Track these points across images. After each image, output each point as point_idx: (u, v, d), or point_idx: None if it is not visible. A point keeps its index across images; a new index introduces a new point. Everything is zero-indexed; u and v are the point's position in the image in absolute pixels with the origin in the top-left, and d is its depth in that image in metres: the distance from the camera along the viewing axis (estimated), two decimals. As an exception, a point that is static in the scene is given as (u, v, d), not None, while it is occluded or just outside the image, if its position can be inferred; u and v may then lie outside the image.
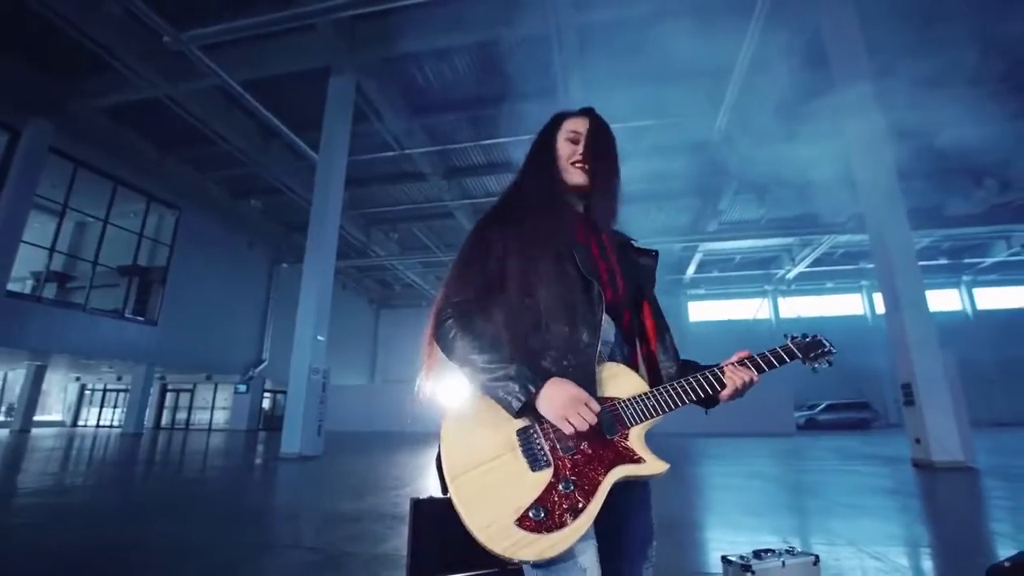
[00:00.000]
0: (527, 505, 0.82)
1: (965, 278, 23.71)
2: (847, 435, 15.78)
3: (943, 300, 23.67)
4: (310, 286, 10.08)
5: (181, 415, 23.01)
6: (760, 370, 0.97)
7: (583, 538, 0.81)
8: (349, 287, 25.42)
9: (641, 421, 0.92)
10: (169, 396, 23.12)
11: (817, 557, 1.96)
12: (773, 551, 1.98)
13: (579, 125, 1.11)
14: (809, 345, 1.00)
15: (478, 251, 1.01)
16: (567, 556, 0.81)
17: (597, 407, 0.87)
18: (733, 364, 0.98)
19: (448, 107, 12.25)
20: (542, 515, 0.81)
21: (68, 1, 9.21)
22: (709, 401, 0.99)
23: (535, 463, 0.87)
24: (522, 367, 0.89)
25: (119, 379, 21.86)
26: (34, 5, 9.08)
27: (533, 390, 0.87)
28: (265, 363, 20.61)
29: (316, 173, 10.90)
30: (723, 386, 0.96)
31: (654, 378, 1.04)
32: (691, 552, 2.98)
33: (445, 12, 9.18)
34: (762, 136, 11.70)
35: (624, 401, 0.93)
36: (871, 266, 21.45)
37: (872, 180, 8.33)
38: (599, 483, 0.85)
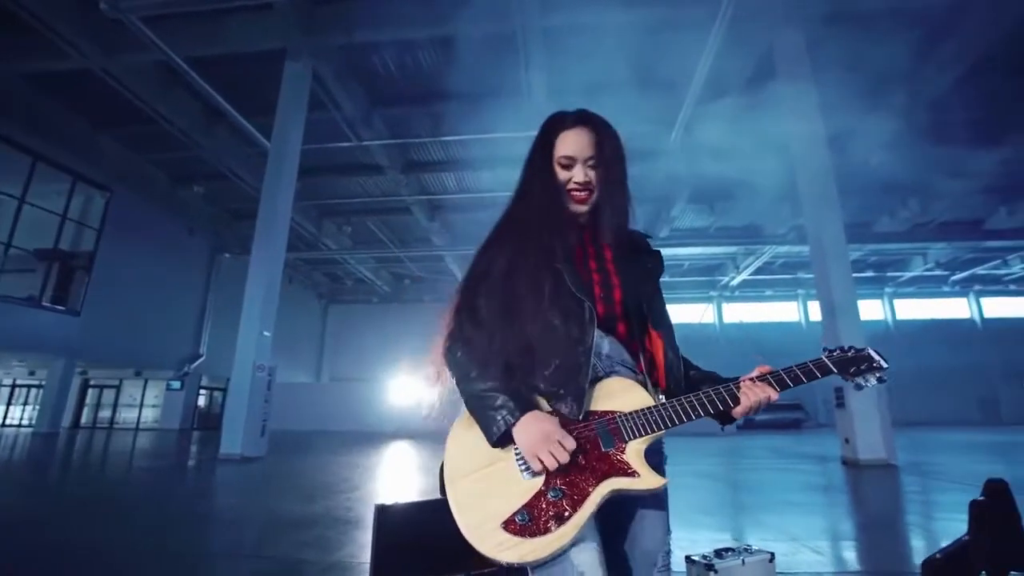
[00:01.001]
0: (514, 509, 0.85)
1: (887, 290, 25.74)
2: (781, 435, 16.74)
3: (868, 310, 25.63)
4: (257, 279, 9.58)
5: (104, 413, 21.29)
6: (783, 386, 0.92)
7: (580, 541, 0.83)
8: (297, 280, 24.39)
9: (640, 435, 0.90)
10: (91, 393, 21.32)
11: (773, 555, 2.05)
12: (733, 550, 2.05)
13: (572, 146, 1.03)
14: (851, 360, 0.93)
15: (480, 272, 1.02)
16: (561, 559, 0.83)
17: (572, 444, 0.86)
18: (751, 379, 0.93)
19: (409, 100, 11.98)
20: (527, 520, 0.84)
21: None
22: (722, 416, 0.95)
23: (527, 471, 0.89)
24: (507, 398, 0.89)
25: (32, 374, 19.93)
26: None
27: (512, 421, 0.88)
28: (202, 358, 19.46)
29: (268, 160, 10.37)
30: (737, 402, 0.92)
31: (666, 390, 1.00)
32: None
33: (408, 2, 8.98)
34: (714, 149, 12.21)
35: (624, 415, 0.91)
36: (807, 276, 22.96)
37: (814, 194, 8.87)
38: (588, 494, 0.86)
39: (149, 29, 8.75)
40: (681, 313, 26.97)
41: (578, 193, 1.03)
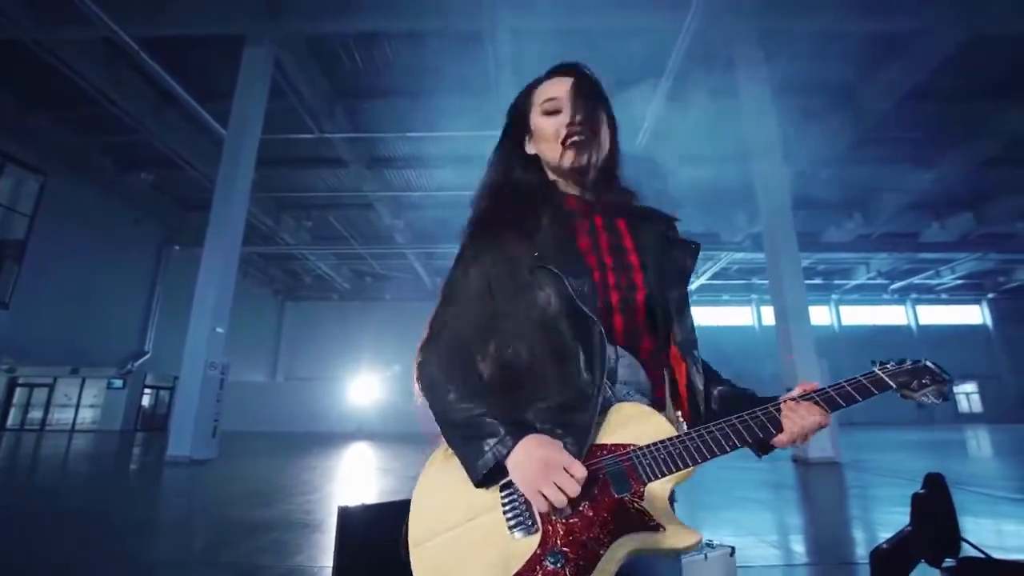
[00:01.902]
0: None
1: (834, 296, 27.22)
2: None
3: (816, 315, 27.03)
4: (210, 273, 9.14)
5: (35, 414, 19.78)
6: (834, 407, 0.73)
7: None
8: (252, 275, 23.45)
9: (662, 475, 0.69)
10: (19, 392, 19.76)
11: (733, 549, 2.10)
12: (696, 545, 2.08)
13: (557, 88, 0.86)
14: (910, 372, 0.75)
15: (457, 280, 0.84)
16: None
17: (582, 472, 0.67)
18: (795, 400, 0.74)
19: (374, 94, 11.74)
20: None
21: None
22: (761, 445, 0.76)
23: (519, 527, 0.69)
24: (496, 422, 0.71)
25: (-50, 371, 18.33)
26: None
27: (504, 451, 0.69)
28: (148, 355, 18.45)
29: (224, 149, 9.90)
30: (779, 428, 0.72)
31: (691, 416, 0.81)
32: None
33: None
34: (676, 155, 12.56)
35: (641, 449, 0.71)
36: (760, 281, 23.97)
37: (771, 204, 9.26)
38: (599, 557, 0.64)
39: (92, 2, 8.19)
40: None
41: (578, 137, 0.84)
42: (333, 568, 1.67)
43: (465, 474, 0.72)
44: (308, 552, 2.84)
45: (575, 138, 0.84)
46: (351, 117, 12.47)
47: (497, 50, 9.72)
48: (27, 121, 12.78)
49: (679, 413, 0.82)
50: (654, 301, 0.81)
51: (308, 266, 22.77)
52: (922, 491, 2.58)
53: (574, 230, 0.84)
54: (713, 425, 0.72)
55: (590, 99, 0.86)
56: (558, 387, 0.74)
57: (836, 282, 25.29)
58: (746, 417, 0.73)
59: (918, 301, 27.33)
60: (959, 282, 24.98)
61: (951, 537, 2.49)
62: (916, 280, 24.36)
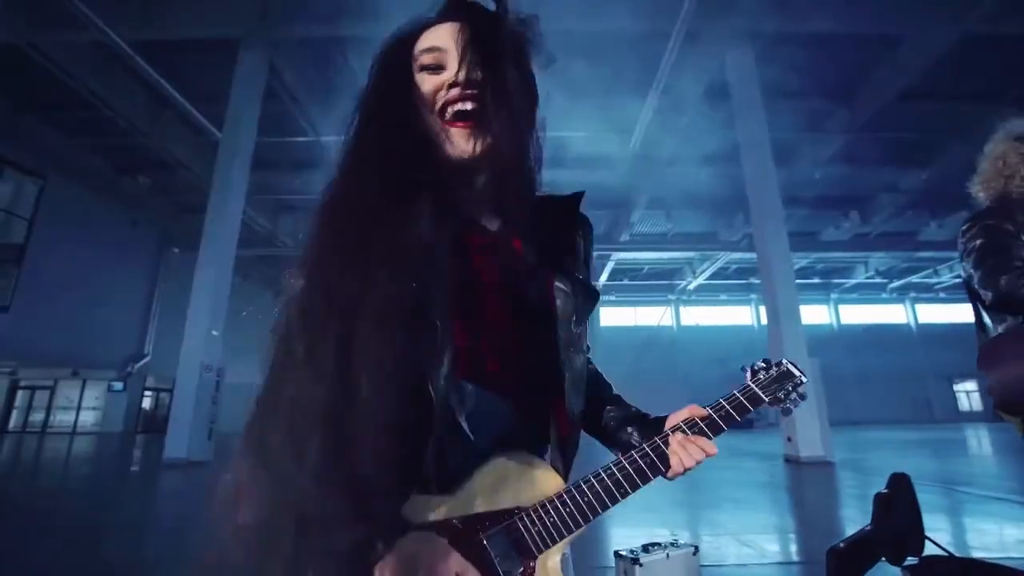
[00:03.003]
0: None
1: (833, 296, 27.18)
2: (734, 434, 17.38)
3: (815, 314, 26.98)
4: (205, 275, 9.21)
5: (37, 416, 19.90)
6: (717, 432, 0.66)
7: None
8: (252, 278, 23.54)
9: (554, 542, 0.60)
10: (21, 394, 19.90)
11: (696, 548, 2.13)
12: (659, 544, 2.12)
13: (442, 36, 0.63)
14: (775, 380, 0.69)
15: (292, 320, 0.57)
16: None
17: None
18: (682, 429, 0.66)
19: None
20: None
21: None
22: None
23: None
24: (353, 532, 0.50)
25: (-48, 373, 18.48)
26: None
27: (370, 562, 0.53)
28: (147, 358, 18.55)
29: (218, 152, 9.98)
30: (667, 467, 0.65)
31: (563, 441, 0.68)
32: (591, 548, 3.10)
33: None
34: (670, 157, 12.59)
35: (527, 513, 0.61)
36: (758, 281, 23.93)
37: (761, 205, 9.27)
38: None
39: (86, 7, 8.25)
40: (641, 315, 27.61)
41: (460, 104, 0.61)
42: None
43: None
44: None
45: (456, 106, 0.61)
46: (346, 119, 12.50)
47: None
48: (24, 125, 12.85)
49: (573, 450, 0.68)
50: (538, 323, 0.67)
51: (307, 268, 22.82)
52: (885, 491, 2.63)
53: (451, 227, 0.61)
54: (603, 472, 0.64)
55: (487, 47, 0.60)
56: (416, 432, 0.56)
57: (835, 281, 25.28)
58: (636, 457, 0.65)
59: (917, 300, 27.25)
60: (957, 280, 24.92)
61: (916, 536, 2.54)
62: (914, 279, 24.31)
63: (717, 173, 13.34)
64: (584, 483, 0.62)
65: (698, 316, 27.81)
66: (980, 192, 1.67)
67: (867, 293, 26.86)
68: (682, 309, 27.98)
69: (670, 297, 27.25)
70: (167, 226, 18.74)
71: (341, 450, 0.50)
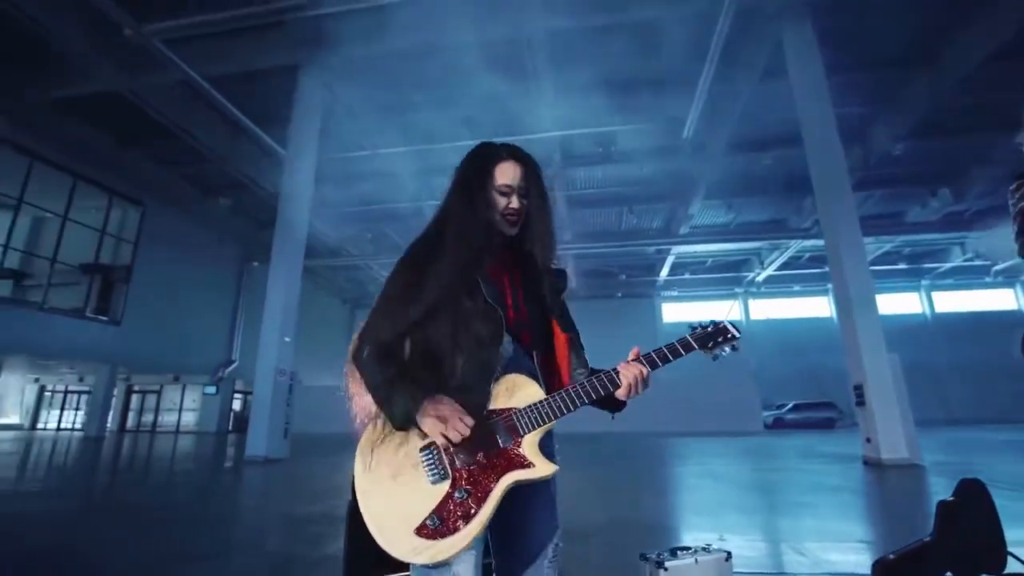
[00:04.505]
0: (425, 515, 0.93)
1: (924, 282, 24.64)
2: (811, 434, 16.26)
3: (904, 303, 24.57)
4: (277, 286, 9.94)
5: (147, 417, 22.37)
6: (653, 365, 1.02)
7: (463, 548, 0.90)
8: (321, 286, 25.07)
9: (533, 428, 0.98)
10: (135, 398, 22.46)
11: (729, 554, 2.04)
12: (689, 548, 2.05)
13: (509, 175, 1.13)
14: (709, 334, 1.05)
15: (402, 283, 1.07)
16: (443, 565, 0.91)
17: (471, 421, 0.95)
18: (626, 362, 1.03)
19: (429, 106, 12.14)
20: (438, 523, 0.91)
21: (23, -10, 8.89)
22: (612, 403, 1.05)
23: (434, 476, 0.95)
24: (411, 385, 0.97)
25: (81, 380, 21.15)
26: (-14, -7, 8.75)
27: (415, 406, 0.95)
28: (235, 364, 20.20)
29: (284, 171, 10.75)
30: (616, 386, 1.01)
31: (556, 385, 1.09)
32: (622, 551, 3.06)
33: (413, 12, 9.13)
34: (727, 145, 11.99)
35: (520, 411, 0.99)
36: (836, 270, 22.16)
37: (826, 187, 8.63)
38: (491, 489, 0.94)
39: (170, 51, 9.20)
40: (707, 310, 26.49)
41: (512, 217, 1.12)
42: (344, 559, 1.85)
43: (392, 443, 1.00)
44: (341, 543, 3.09)
45: (510, 218, 1.13)
46: (403, 131, 12.97)
47: (533, 54, 9.81)
48: (125, 159, 14.52)
49: (552, 381, 1.10)
50: (533, 308, 1.13)
51: (372, 275, 23.95)
52: (951, 499, 2.38)
53: (496, 260, 1.13)
54: (569, 387, 1.01)
55: (530, 195, 1.14)
56: (470, 355, 1.01)
57: (926, 266, 22.87)
58: (593, 379, 1.02)
59: (1029, 282, 24.13)
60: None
61: (994, 551, 2.27)
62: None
63: (780, 157, 12.56)
64: (556, 394, 1.00)
65: (769, 309, 26.26)
66: None
67: (966, 277, 24.05)
68: (751, 302, 26.55)
69: (737, 290, 25.94)
70: (247, 242, 20.35)
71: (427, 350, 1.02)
